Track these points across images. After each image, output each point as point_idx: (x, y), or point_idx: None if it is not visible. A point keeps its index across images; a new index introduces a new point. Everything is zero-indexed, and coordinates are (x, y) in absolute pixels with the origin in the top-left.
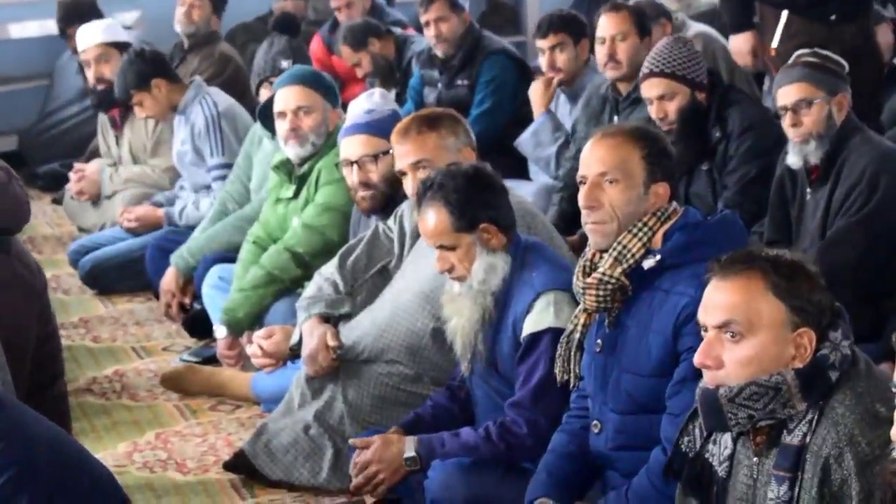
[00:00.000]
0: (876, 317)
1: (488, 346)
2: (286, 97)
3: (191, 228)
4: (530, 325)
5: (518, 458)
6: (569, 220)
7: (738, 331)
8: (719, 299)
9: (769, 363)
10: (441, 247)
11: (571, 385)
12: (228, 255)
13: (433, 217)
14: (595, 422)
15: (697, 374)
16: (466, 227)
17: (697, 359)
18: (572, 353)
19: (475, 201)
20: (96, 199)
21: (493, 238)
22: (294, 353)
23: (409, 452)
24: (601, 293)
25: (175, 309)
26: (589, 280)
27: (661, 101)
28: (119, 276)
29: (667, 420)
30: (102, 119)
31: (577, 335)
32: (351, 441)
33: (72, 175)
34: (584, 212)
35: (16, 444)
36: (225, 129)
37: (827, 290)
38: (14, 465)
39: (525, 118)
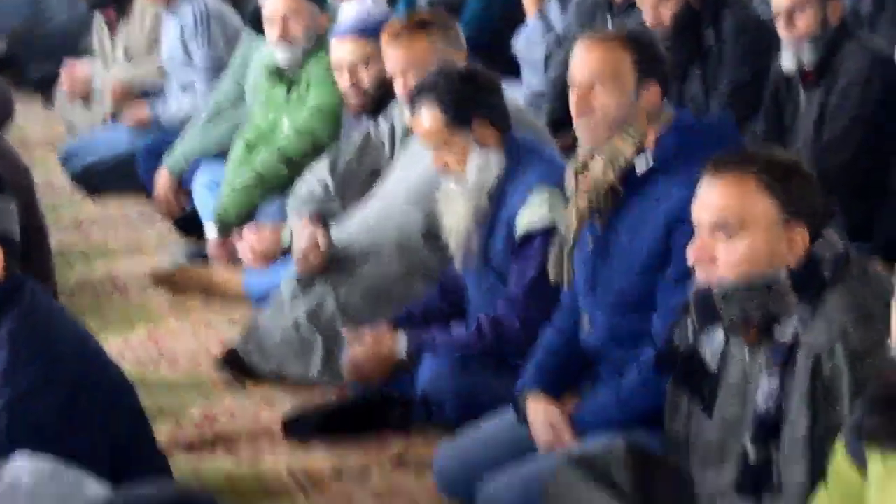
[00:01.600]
0: (867, 215)
1: (482, 244)
2: (274, 2)
3: (175, 130)
4: (525, 223)
5: (509, 352)
6: (560, 124)
7: (731, 228)
8: (713, 197)
9: (762, 261)
10: (436, 145)
11: (565, 287)
12: (220, 156)
13: (427, 116)
14: (586, 319)
15: (689, 274)
16: (460, 125)
17: (691, 255)
18: (566, 256)
19: (469, 99)
20: (88, 100)
21: (487, 136)
22: (285, 252)
23: (402, 347)
24: (593, 195)
25: (172, 211)
26: (581, 182)
27: (655, 8)
28: (111, 178)
29: (658, 318)
30: (98, 20)
31: (571, 237)
32: (343, 332)
33: (63, 74)
34: (575, 116)
35: (42, 338)
36: (213, 28)
37: (820, 189)
38: (39, 357)
39: (518, 21)
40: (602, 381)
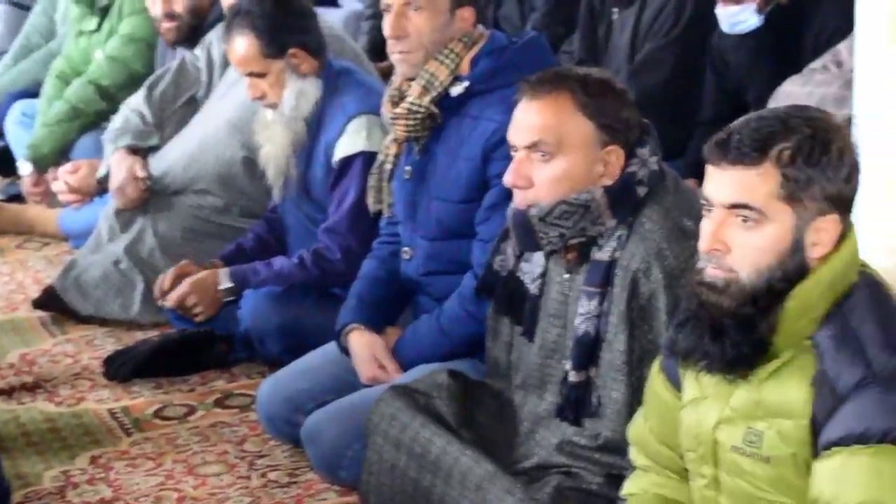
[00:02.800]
0: (681, 134)
1: (301, 172)
2: None
3: None
4: (342, 150)
5: (332, 283)
6: (379, 48)
7: (547, 150)
8: (528, 119)
9: (579, 181)
10: (251, 74)
11: (384, 214)
12: (32, 91)
13: (241, 44)
14: (406, 248)
15: (507, 200)
16: (275, 53)
17: (508, 178)
18: (384, 184)
19: (283, 27)
20: None
21: (302, 63)
22: (102, 188)
23: (225, 283)
24: (411, 122)
25: None
26: (398, 110)
27: None
28: None
29: (477, 245)
30: None
31: (389, 166)
32: (161, 279)
33: None
34: (389, 41)
35: None
36: None
37: (635, 108)
38: None
39: None
40: (424, 312)
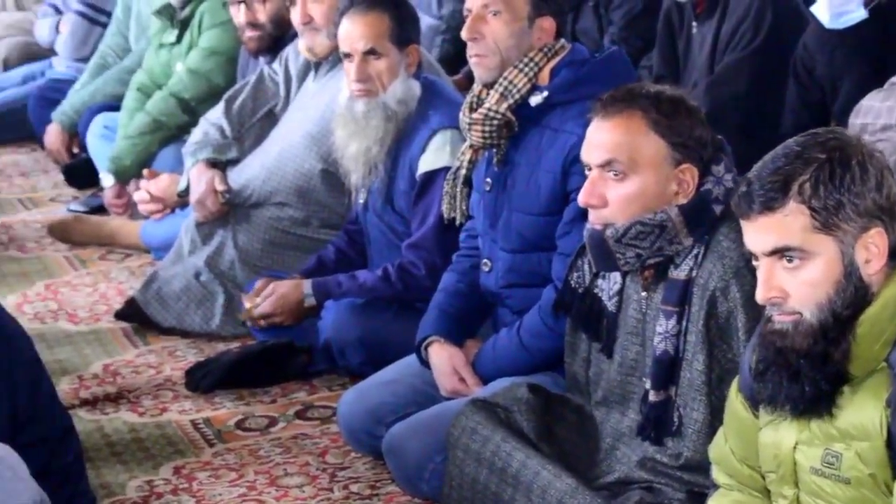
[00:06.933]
0: (757, 150)
1: (386, 181)
2: None
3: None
4: (426, 164)
5: (415, 298)
6: (452, 62)
7: (620, 169)
8: (601, 138)
9: (653, 200)
10: (370, 52)
11: (458, 222)
12: (113, 104)
13: (376, 19)
14: (485, 260)
15: (587, 214)
16: (399, 43)
17: (581, 198)
18: (459, 190)
19: (412, 21)
20: None
21: (413, 63)
22: (182, 200)
23: (309, 297)
24: (487, 128)
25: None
26: (475, 115)
27: None
28: (2, 127)
29: (557, 259)
30: None
31: (464, 171)
32: (245, 299)
33: None
34: (468, 45)
35: None
36: None
37: (707, 125)
38: None
39: None
40: (503, 324)
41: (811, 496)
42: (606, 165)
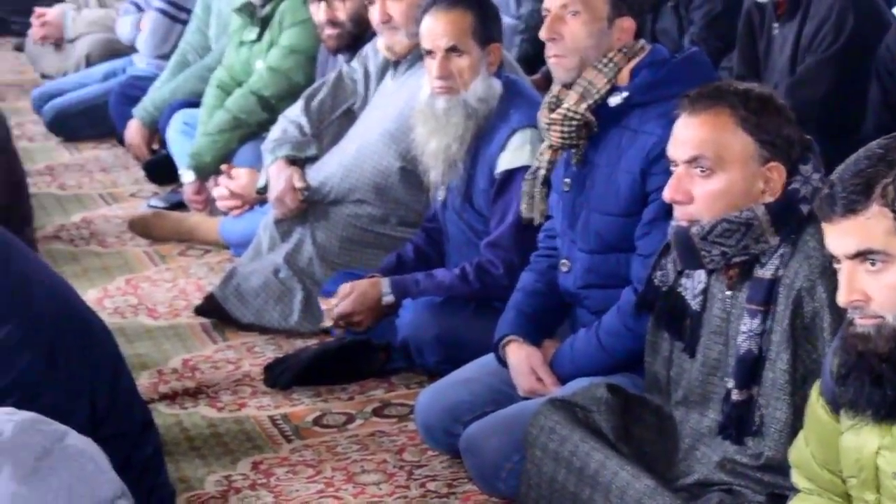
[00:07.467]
0: (839, 153)
1: (465, 179)
2: None
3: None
4: (505, 163)
5: (493, 297)
6: (531, 62)
7: (707, 165)
8: (689, 134)
9: (739, 198)
10: (453, 49)
11: (536, 222)
12: (193, 101)
13: (460, 16)
14: (564, 260)
15: (667, 215)
16: (482, 40)
17: (667, 193)
18: (538, 190)
19: (496, 20)
20: (59, 44)
21: (494, 62)
22: (261, 197)
23: (387, 295)
24: (566, 129)
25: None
26: (554, 115)
27: None
28: (84, 123)
29: (637, 260)
30: None
31: (543, 171)
32: (322, 302)
33: (33, 20)
34: (546, 45)
35: (17, 294)
36: None
37: (796, 124)
38: (15, 315)
39: None
40: (581, 325)
41: (893, 501)
42: (693, 161)
